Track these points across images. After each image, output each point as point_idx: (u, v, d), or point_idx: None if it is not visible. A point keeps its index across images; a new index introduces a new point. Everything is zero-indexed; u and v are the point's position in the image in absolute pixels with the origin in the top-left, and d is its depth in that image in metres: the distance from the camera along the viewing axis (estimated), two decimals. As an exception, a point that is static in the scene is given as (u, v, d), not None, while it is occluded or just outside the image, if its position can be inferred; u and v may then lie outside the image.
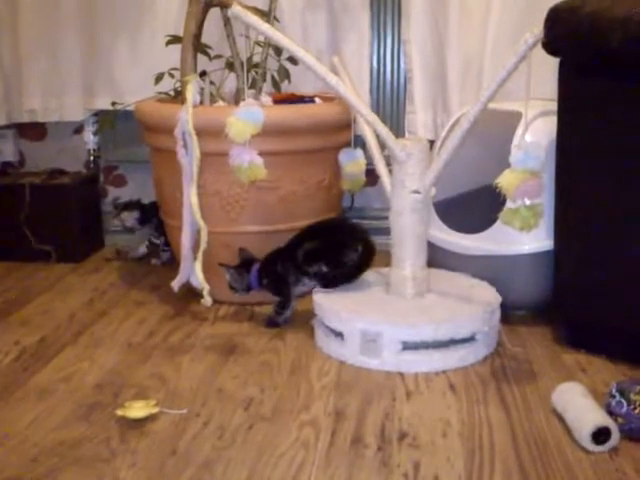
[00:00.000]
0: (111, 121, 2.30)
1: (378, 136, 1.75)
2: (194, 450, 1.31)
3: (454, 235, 1.91)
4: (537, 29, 1.46)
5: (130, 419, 1.39)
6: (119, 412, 1.40)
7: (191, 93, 1.81)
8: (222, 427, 1.38)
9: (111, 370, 1.63)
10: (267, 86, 2.13)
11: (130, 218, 2.34)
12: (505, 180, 1.46)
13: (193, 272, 1.86)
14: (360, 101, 1.73)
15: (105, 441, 1.34)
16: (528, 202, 1.47)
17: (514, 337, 1.77)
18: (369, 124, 1.72)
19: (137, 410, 1.40)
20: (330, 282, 1.80)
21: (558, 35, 1.51)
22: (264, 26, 1.62)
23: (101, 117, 2.43)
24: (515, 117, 1.72)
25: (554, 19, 1.51)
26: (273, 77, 2.16)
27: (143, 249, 2.39)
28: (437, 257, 1.89)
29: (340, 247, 1.80)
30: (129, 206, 2.37)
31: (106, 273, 2.30)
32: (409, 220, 1.71)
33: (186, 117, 1.79)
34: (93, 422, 1.41)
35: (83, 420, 1.41)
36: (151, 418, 1.40)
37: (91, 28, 2.42)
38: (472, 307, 1.69)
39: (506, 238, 1.76)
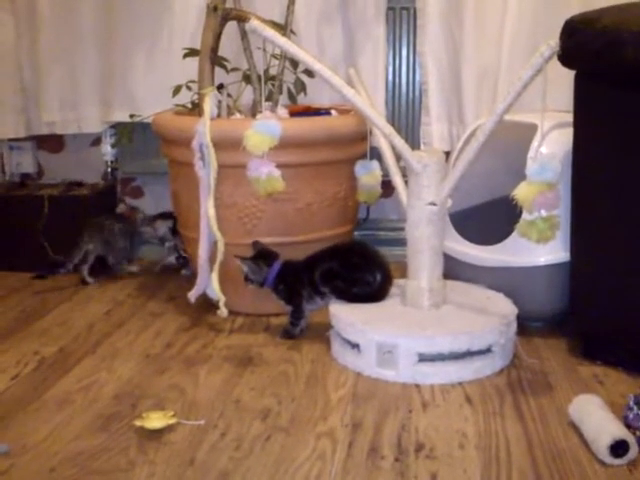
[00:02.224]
0: (129, 133, 2.32)
1: (394, 148, 1.75)
2: (212, 461, 1.31)
3: (470, 247, 1.91)
4: (553, 41, 1.47)
5: (148, 430, 1.40)
6: (137, 423, 1.41)
7: (209, 106, 1.83)
8: (239, 438, 1.39)
9: (129, 381, 1.64)
10: (283, 98, 2.14)
11: (163, 227, 2.36)
12: (522, 192, 1.47)
13: (210, 283, 1.87)
14: (376, 113, 1.74)
15: (124, 451, 1.35)
16: (544, 214, 1.48)
17: (530, 349, 1.77)
18: (385, 136, 1.73)
19: (155, 421, 1.41)
20: (344, 296, 1.80)
21: (574, 47, 1.52)
22: (281, 40, 1.63)
23: (119, 129, 2.45)
24: (530, 129, 1.72)
25: (570, 31, 1.52)
26: (289, 89, 2.18)
27: (170, 262, 2.41)
28: (453, 269, 1.89)
29: (358, 269, 1.80)
30: (163, 215, 2.39)
31: (123, 284, 2.32)
32: (425, 232, 1.72)
33: (204, 129, 1.80)
34: (111, 432, 1.42)
35: (102, 430, 1.42)
36: (169, 429, 1.41)
37: (109, 41, 2.45)
38: (488, 319, 1.69)
39: (522, 250, 1.76)
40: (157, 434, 1.40)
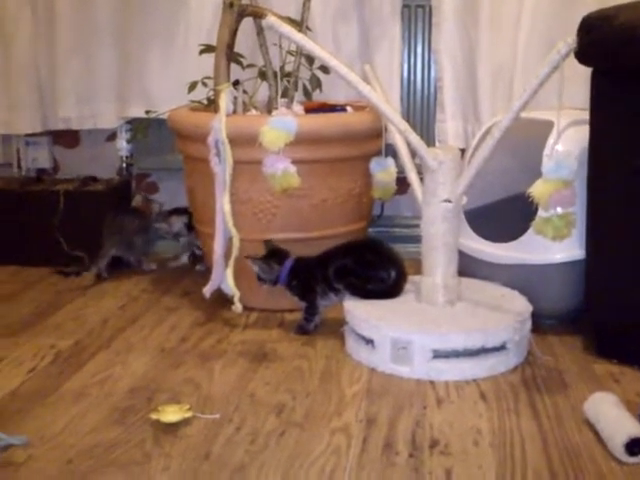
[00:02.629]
0: (144, 129, 2.33)
1: (409, 145, 1.76)
2: (227, 454, 1.32)
3: (485, 244, 1.91)
4: (570, 38, 1.46)
5: (164, 423, 1.40)
6: (153, 416, 1.42)
7: (224, 102, 1.84)
8: (255, 432, 1.40)
9: (144, 375, 1.65)
10: (298, 95, 2.15)
11: (178, 223, 2.37)
12: (538, 189, 1.47)
13: (224, 279, 1.88)
14: (392, 109, 1.74)
15: (139, 444, 1.35)
16: (560, 211, 1.47)
17: (544, 346, 1.77)
18: (401, 133, 1.73)
19: (171, 414, 1.41)
20: (359, 292, 1.80)
21: (591, 44, 1.51)
22: (298, 36, 1.64)
23: (134, 125, 2.46)
24: (546, 126, 1.72)
25: (587, 28, 1.52)
26: (304, 86, 2.18)
27: (184, 259, 2.42)
28: (468, 266, 1.89)
29: (372, 266, 1.81)
30: (178, 211, 2.39)
31: (138, 279, 2.33)
32: (440, 229, 1.72)
33: (219, 126, 1.81)
34: (127, 425, 1.42)
35: (117, 423, 1.43)
36: (184, 422, 1.42)
37: (125, 37, 2.47)
38: (503, 316, 1.69)
39: (537, 247, 1.76)
40: (173, 427, 1.40)
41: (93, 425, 1.43)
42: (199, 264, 2.38)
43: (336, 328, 1.84)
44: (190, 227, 2.34)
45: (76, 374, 1.66)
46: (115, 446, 1.35)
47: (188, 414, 1.43)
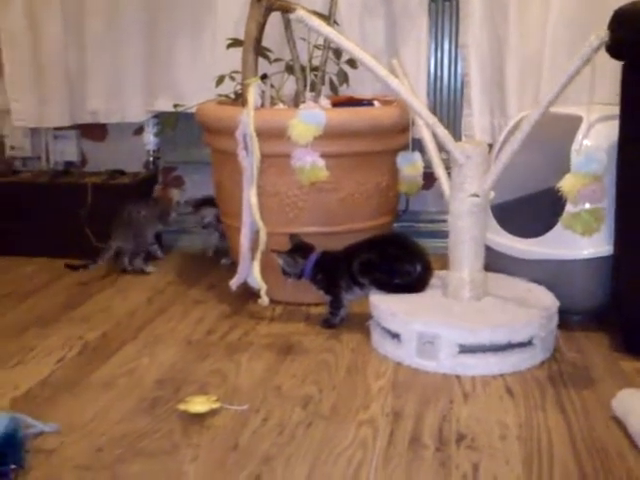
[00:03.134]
0: (173, 122, 2.34)
1: (437, 139, 1.75)
2: (255, 445, 1.33)
3: (512, 239, 1.90)
4: (603, 32, 1.45)
5: (192, 414, 1.42)
6: (181, 406, 1.43)
7: (252, 96, 1.84)
8: (282, 424, 1.40)
9: (171, 366, 1.66)
10: (325, 89, 2.15)
11: (210, 214, 2.37)
12: (567, 184, 1.46)
13: (251, 272, 1.88)
14: (420, 103, 1.74)
15: (168, 434, 1.37)
16: (589, 206, 1.47)
17: (571, 342, 1.76)
18: (429, 127, 1.73)
19: (198, 405, 1.43)
20: (385, 287, 1.80)
21: (623, 38, 1.50)
22: (328, 30, 1.64)
23: (163, 118, 2.47)
24: (574, 121, 1.71)
25: (619, 21, 1.50)
26: (331, 80, 2.18)
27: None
28: (494, 261, 1.88)
29: (397, 261, 1.81)
30: (209, 202, 2.37)
31: (164, 272, 2.35)
32: (467, 223, 1.71)
33: (247, 119, 1.81)
34: (155, 416, 1.44)
35: (146, 413, 1.45)
36: (212, 413, 1.43)
37: (153, 31, 2.48)
38: (530, 311, 1.68)
39: (565, 242, 1.75)
40: (200, 418, 1.41)
41: (122, 415, 1.44)
42: (225, 258, 2.39)
43: (361, 322, 1.84)
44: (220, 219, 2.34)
45: (104, 364, 1.68)
46: (144, 436, 1.36)
47: (216, 405, 1.44)
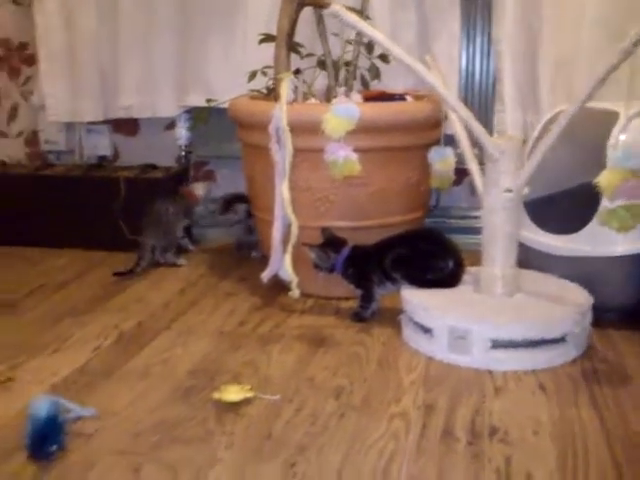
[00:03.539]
0: (205, 117, 2.35)
1: (471, 134, 1.75)
2: (288, 434, 1.34)
3: (545, 236, 1.90)
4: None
5: (226, 402, 1.43)
6: (215, 395, 1.45)
7: (285, 90, 1.85)
8: (314, 414, 1.42)
9: (205, 356, 1.68)
10: (356, 84, 2.15)
11: (242, 210, 2.39)
12: (604, 179, 1.45)
13: (282, 265, 1.89)
14: (455, 98, 1.74)
15: (203, 422, 1.38)
16: (626, 202, 1.46)
17: (604, 340, 1.75)
18: (464, 121, 1.73)
19: (233, 394, 1.44)
20: (417, 282, 1.81)
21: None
22: (363, 24, 1.65)
23: (195, 113, 2.49)
24: (610, 116, 1.70)
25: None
26: (362, 75, 2.18)
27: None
28: (527, 258, 1.87)
29: (430, 256, 1.81)
30: (241, 198, 2.39)
31: (196, 265, 2.37)
32: (501, 219, 1.71)
33: (280, 114, 1.82)
34: (190, 404, 1.46)
35: (181, 401, 1.47)
36: (246, 402, 1.45)
37: (185, 27, 2.50)
38: (563, 308, 1.68)
39: (599, 239, 1.74)
40: (234, 407, 1.43)
41: (157, 402, 1.46)
42: (254, 251, 2.40)
43: (392, 316, 1.85)
44: (249, 215, 2.36)
45: (139, 353, 1.70)
46: (179, 423, 1.38)
47: (249, 394, 1.46)
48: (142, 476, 1.22)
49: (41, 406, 1.29)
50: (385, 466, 1.25)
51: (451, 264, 1.81)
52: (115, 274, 2.21)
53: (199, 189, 2.45)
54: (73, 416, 1.37)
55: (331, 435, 1.34)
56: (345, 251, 1.87)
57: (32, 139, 2.85)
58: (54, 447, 1.26)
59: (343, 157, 1.67)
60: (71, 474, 1.23)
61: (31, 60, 2.76)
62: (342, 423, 1.39)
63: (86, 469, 1.23)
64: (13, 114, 2.86)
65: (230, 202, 2.43)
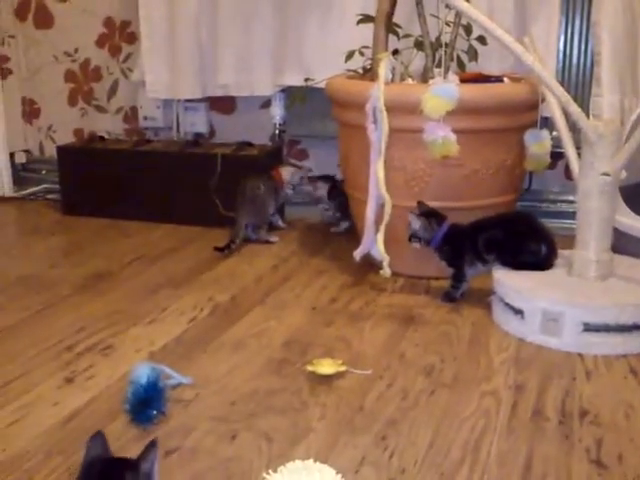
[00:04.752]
0: (302, 96, 2.39)
1: (568, 117, 1.74)
2: (380, 409, 1.38)
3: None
4: None
5: (319, 375, 1.48)
6: (309, 368, 1.49)
7: (384, 70, 1.86)
8: (405, 390, 1.45)
9: (298, 330, 1.73)
10: (453, 66, 2.15)
11: (323, 189, 2.45)
12: None
13: (375, 243, 1.92)
14: (554, 81, 1.73)
15: (296, 393, 1.43)
16: None
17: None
18: (561, 104, 1.71)
19: (326, 367, 1.48)
20: (510, 264, 1.81)
21: None
22: (465, 5, 1.65)
23: (293, 92, 2.52)
24: None
25: None
26: (458, 57, 2.18)
27: (345, 225, 2.47)
28: (621, 243, 1.85)
29: (523, 239, 1.81)
30: (324, 178, 2.48)
31: (287, 242, 2.42)
32: (596, 202, 1.70)
33: (378, 93, 1.84)
34: (284, 375, 1.51)
35: (275, 373, 1.52)
36: (338, 376, 1.49)
37: (284, 7, 2.53)
38: (658, 294, 1.66)
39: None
40: (327, 380, 1.47)
41: (252, 373, 1.52)
42: (334, 227, 2.48)
43: (482, 297, 1.86)
44: (332, 194, 2.43)
45: (234, 326, 1.76)
46: (274, 393, 1.43)
47: (342, 368, 1.49)
48: (238, 442, 1.28)
49: (142, 373, 1.35)
50: (476, 442, 1.27)
51: (544, 248, 1.80)
52: (215, 249, 2.27)
53: (286, 173, 2.49)
54: (173, 383, 1.44)
55: (422, 410, 1.37)
56: (445, 226, 1.88)
57: (131, 115, 2.95)
58: (154, 412, 1.32)
59: (442, 137, 1.69)
60: (171, 438, 1.29)
61: (132, 38, 2.86)
62: (433, 399, 1.42)
63: (185, 434, 1.30)
64: (113, 90, 2.97)
65: (313, 179, 2.48)
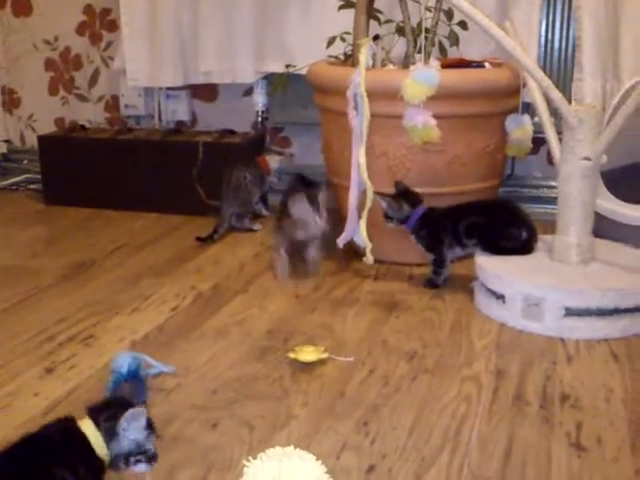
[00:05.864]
0: (284, 83, 2.38)
1: (549, 102, 1.74)
2: (361, 394, 1.38)
3: (621, 205, 1.88)
4: None
5: (301, 362, 1.48)
6: (291, 355, 1.49)
7: (364, 56, 1.86)
8: (387, 376, 1.45)
9: (280, 318, 1.73)
10: (434, 51, 2.14)
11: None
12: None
13: (357, 230, 1.92)
14: (535, 65, 1.73)
15: (278, 380, 1.43)
16: None
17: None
18: (543, 89, 1.71)
19: (307, 354, 1.48)
20: (491, 249, 1.81)
21: None
22: (443, -10, 1.64)
23: (275, 79, 2.51)
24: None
25: None
26: (440, 42, 2.17)
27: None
28: (602, 227, 1.86)
29: (504, 224, 1.81)
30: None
31: (270, 230, 2.40)
32: (577, 187, 1.70)
33: (359, 79, 1.83)
34: (266, 363, 1.51)
35: (256, 360, 1.52)
36: (320, 363, 1.49)
37: (264, -7, 2.52)
38: (638, 278, 1.66)
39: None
40: (309, 367, 1.47)
41: (234, 360, 1.52)
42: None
43: (464, 283, 1.86)
44: None
45: (216, 314, 1.75)
46: (256, 380, 1.43)
47: (324, 355, 1.49)
48: (219, 430, 1.27)
49: (123, 362, 1.34)
50: (457, 427, 1.27)
51: (525, 233, 1.80)
52: (197, 239, 2.27)
53: (273, 162, 2.48)
54: (154, 372, 1.43)
55: (403, 396, 1.38)
56: (420, 209, 1.87)
57: (112, 104, 2.93)
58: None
59: (422, 123, 1.69)
60: (153, 426, 1.29)
61: (113, 26, 2.83)
62: (414, 385, 1.42)
63: (166, 423, 1.29)
64: (94, 79, 2.94)
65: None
